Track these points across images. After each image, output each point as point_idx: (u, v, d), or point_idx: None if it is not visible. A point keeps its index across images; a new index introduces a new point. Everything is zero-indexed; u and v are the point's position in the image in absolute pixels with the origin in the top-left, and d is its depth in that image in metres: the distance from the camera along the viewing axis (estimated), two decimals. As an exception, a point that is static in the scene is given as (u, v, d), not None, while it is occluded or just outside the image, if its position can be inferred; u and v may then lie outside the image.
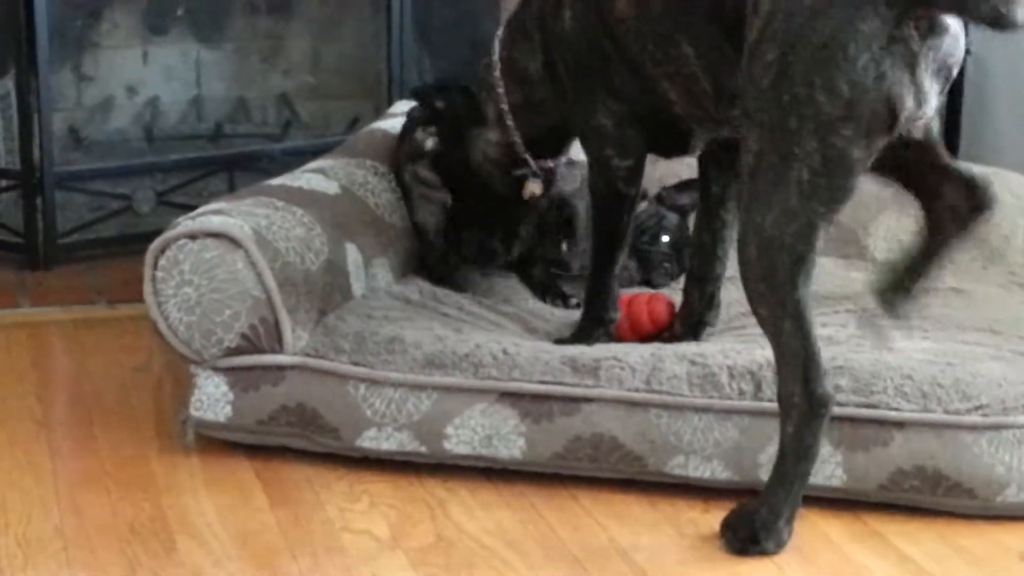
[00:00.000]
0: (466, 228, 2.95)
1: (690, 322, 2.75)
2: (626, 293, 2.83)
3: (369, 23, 4.21)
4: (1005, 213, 3.15)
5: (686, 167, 3.05)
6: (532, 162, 2.84)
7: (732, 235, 2.66)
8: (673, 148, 2.73)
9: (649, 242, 3.06)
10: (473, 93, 2.86)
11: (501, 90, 2.79)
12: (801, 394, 2.21)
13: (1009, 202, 3.15)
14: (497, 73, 2.79)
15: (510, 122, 2.79)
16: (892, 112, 2.16)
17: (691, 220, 3.09)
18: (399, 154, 3.02)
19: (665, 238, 3.07)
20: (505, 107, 2.79)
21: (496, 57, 2.80)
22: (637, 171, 2.67)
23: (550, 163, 2.89)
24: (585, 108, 2.66)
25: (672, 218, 3.11)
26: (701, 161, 2.74)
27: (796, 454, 2.24)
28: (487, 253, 2.96)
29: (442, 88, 2.94)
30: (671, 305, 2.78)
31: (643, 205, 3.03)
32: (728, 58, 2.35)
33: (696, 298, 2.75)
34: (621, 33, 2.55)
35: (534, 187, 2.85)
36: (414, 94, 3.03)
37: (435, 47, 4.24)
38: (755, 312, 2.25)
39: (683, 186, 3.12)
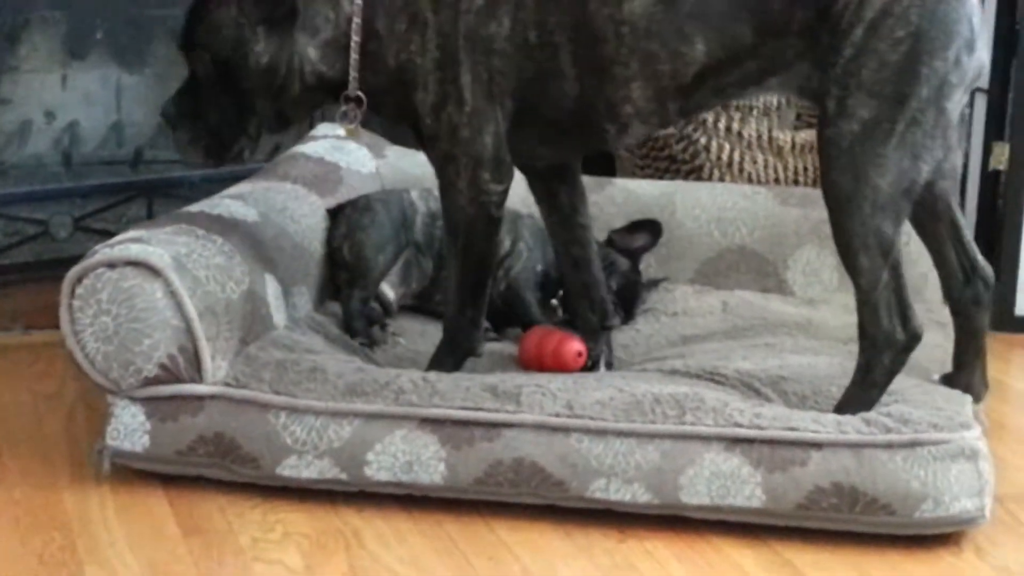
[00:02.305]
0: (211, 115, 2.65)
1: (595, 334, 2.82)
2: (544, 327, 2.83)
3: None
4: (922, 249, 3.18)
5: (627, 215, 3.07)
6: (361, 103, 2.61)
7: (592, 236, 2.84)
8: (566, 153, 2.73)
9: None
10: None
11: (356, 22, 2.57)
12: (902, 330, 2.46)
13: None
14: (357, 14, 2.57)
15: (355, 55, 2.58)
16: (980, 75, 2.51)
17: (643, 261, 3.12)
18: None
19: (613, 283, 3.03)
20: (356, 40, 2.57)
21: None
22: (507, 193, 2.64)
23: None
24: (474, 125, 2.56)
25: (622, 262, 3.09)
26: (539, 182, 2.80)
27: (883, 383, 2.49)
28: (220, 147, 2.69)
29: None
30: (580, 354, 2.75)
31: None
32: (741, 49, 2.49)
33: (590, 310, 2.81)
34: (610, 36, 2.51)
35: (349, 126, 2.65)
36: None
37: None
38: (854, 266, 2.47)
39: (633, 228, 3.12)
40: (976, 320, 2.68)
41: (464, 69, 2.54)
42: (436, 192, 3.02)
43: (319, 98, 2.68)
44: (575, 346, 2.74)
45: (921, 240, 2.72)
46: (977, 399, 2.63)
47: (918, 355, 2.69)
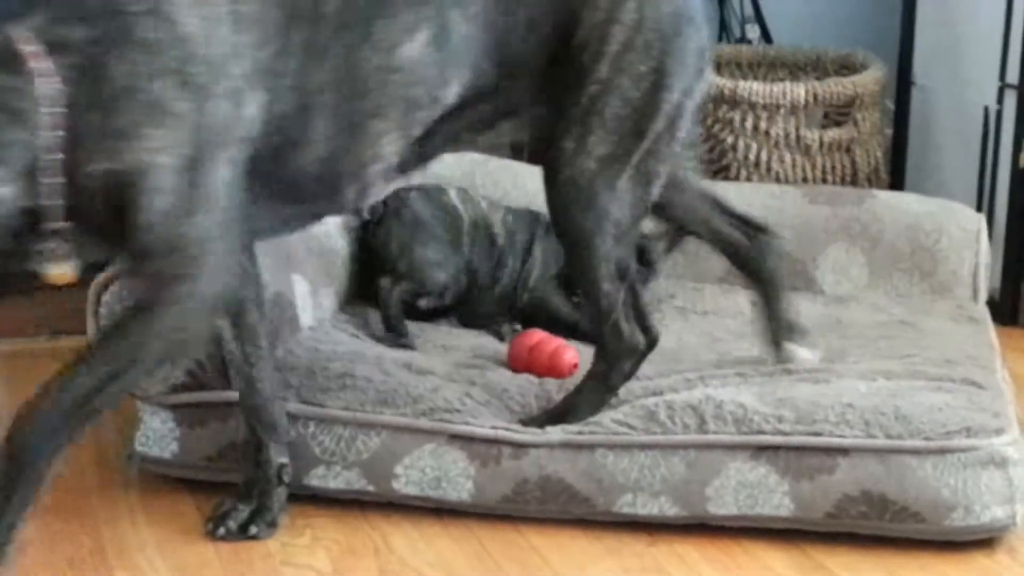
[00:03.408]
0: None
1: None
2: (535, 332, 2.80)
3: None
4: (952, 246, 3.17)
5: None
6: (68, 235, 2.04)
7: None
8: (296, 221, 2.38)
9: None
10: None
11: (54, 136, 1.96)
12: (643, 337, 2.49)
13: (956, 235, 3.17)
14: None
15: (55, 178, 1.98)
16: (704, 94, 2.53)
17: (669, 259, 3.10)
18: None
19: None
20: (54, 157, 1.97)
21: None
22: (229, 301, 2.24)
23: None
24: (218, 230, 2.07)
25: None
26: None
27: (618, 387, 2.52)
28: None
29: None
30: (575, 365, 2.70)
31: None
32: (484, 90, 2.34)
33: None
34: (374, 87, 2.22)
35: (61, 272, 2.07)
36: None
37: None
38: (596, 295, 2.45)
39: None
40: (774, 271, 2.72)
41: (216, 165, 2.07)
42: (473, 197, 3.03)
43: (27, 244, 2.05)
44: (570, 356, 2.71)
45: (687, 229, 2.73)
46: (780, 342, 2.70)
47: (951, 348, 2.68)
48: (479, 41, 2.30)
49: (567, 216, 2.42)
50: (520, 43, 2.34)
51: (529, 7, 2.33)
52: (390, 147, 2.27)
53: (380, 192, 2.40)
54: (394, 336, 2.84)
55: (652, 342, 2.53)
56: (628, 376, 2.53)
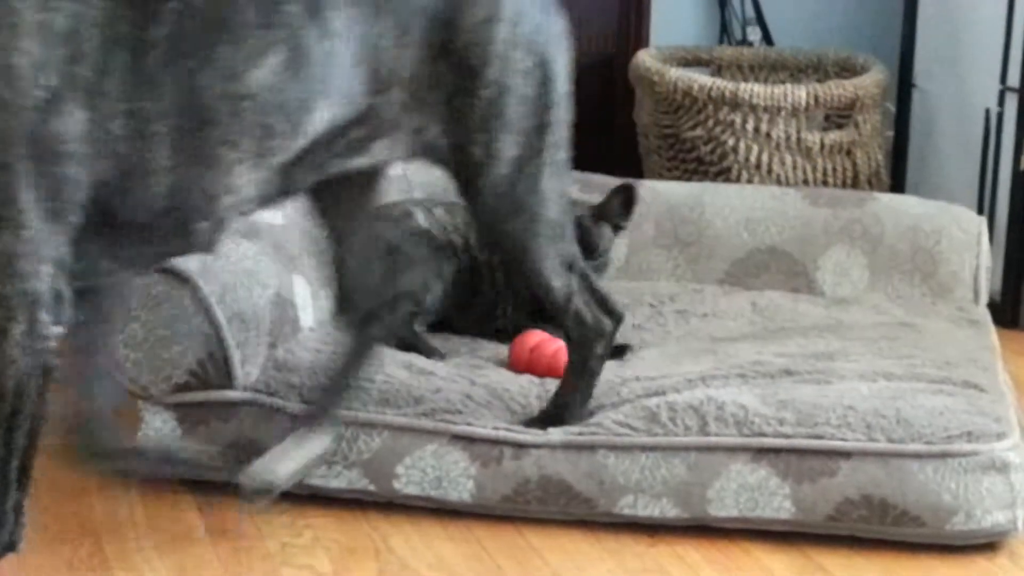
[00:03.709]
0: None
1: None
2: (534, 332, 2.78)
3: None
4: (953, 248, 3.17)
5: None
6: None
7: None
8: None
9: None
10: None
11: None
12: (607, 318, 2.49)
13: (956, 237, 3.18)
14: None
15: None
16: None
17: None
18: None
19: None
20: None
21: None
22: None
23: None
24: (33, 254, 1.99)
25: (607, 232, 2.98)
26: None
27: (599, 369, 2.52)
28: None
29: None
30: None
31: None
32: (355, 111, 2.20)
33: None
34: (223, 115, 2.08)
35: None
36: None
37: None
38: (547, 290, 2.44)
39: (611, 196, 2.97)
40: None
41: (23, 184, 1.96)
42: (434, 210, 2.99)
43: None
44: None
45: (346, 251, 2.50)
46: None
47: (951, 350, 2.68)
48: (343, 57, 2.15)
49: (497, 227, 2.39)
50: (391, 52, 2.21)
51: (398, 12, 2.21)
52: (244, 178, 2.13)
53: (231, 229, 2.25)
54: (431, 356, 2.81)
55: (618, 319, 2.51)
56: (604, 357, 2.52)
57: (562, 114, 2.38)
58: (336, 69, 2.15)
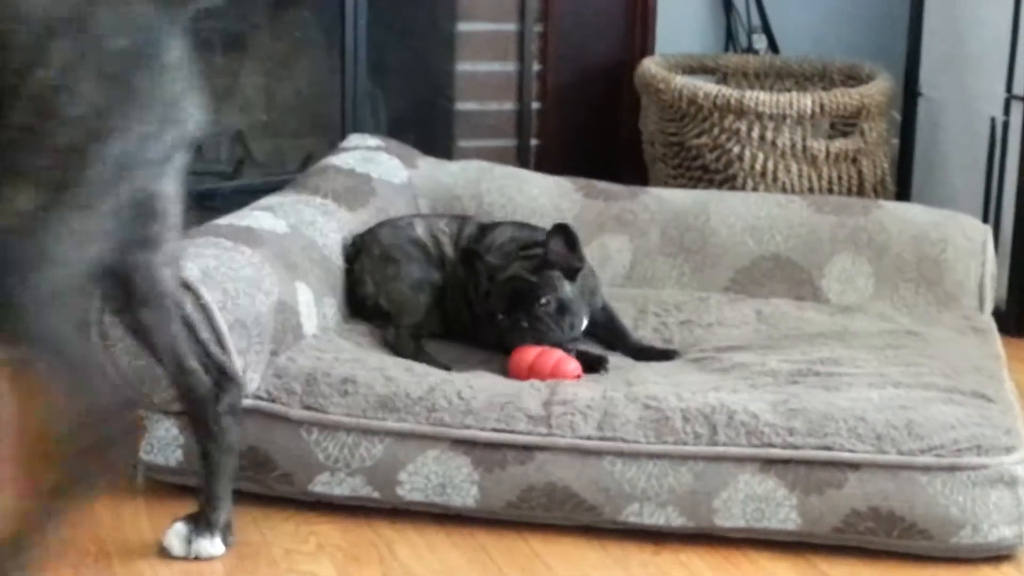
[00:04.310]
0: None
1: None
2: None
3: (323, 60, 4.20)
4: (958, 257, 3.16)
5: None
6: None
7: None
8: None
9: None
10: None
11: None
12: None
13: (962, 245, 3.17)
14: None
15: None
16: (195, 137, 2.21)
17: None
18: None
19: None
20: None
21: None
22: None
23: None
24: None
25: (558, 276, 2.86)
26: None
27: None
28: None
29: None
30: (579, 377, 2.68)
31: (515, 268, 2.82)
32: None
33: None
34: None
35: None
36: None
37: (389, 84, 4.23)
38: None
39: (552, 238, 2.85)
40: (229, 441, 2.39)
41: None
42: (440, 223, 3.00)
43: None
44: (572, 368, 2.69)
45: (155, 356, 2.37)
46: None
47: (957, 358, 2.68)
48: None
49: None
50: None
51: None
52: None
53: None
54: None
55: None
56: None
57: (109, 173, 2.05)
58: None
